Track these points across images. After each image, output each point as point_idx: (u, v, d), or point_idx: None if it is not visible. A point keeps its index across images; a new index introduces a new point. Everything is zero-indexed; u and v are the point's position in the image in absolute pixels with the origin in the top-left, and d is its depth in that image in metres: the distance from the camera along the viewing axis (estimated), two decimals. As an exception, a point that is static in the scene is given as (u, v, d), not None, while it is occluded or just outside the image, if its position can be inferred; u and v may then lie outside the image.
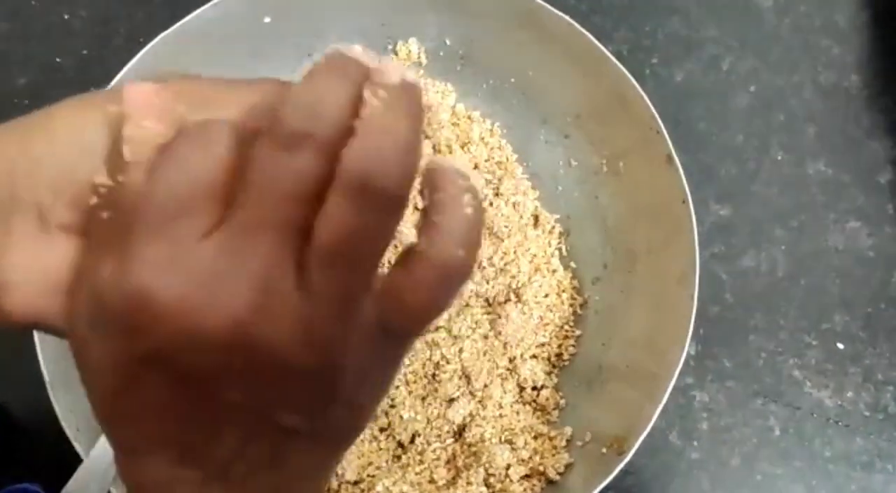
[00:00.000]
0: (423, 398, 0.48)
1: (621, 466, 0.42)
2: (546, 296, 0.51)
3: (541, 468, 0.47)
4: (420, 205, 0.20)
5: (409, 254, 0.19)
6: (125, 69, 0.46)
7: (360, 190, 0.18)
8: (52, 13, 0.58)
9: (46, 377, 0.42)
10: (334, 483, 0.47)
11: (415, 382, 0.49)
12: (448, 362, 0.49)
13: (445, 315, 0.49)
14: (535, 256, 0.51)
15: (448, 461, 0.48)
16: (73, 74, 0.57)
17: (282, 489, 0.22)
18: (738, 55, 0.59)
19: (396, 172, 0.18)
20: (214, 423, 0.20)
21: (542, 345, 0.50)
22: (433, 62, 0.54)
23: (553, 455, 0.47)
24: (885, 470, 0.51)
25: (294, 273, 0.19)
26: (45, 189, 0.21)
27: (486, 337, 0.50)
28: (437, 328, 0.49)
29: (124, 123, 0.20)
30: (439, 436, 0.48)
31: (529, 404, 0.49)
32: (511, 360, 0.49)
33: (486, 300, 0.51)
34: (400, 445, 0.48)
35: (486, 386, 0.49)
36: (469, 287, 0.50)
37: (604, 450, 0.45)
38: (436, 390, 0.48)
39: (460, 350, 0.49)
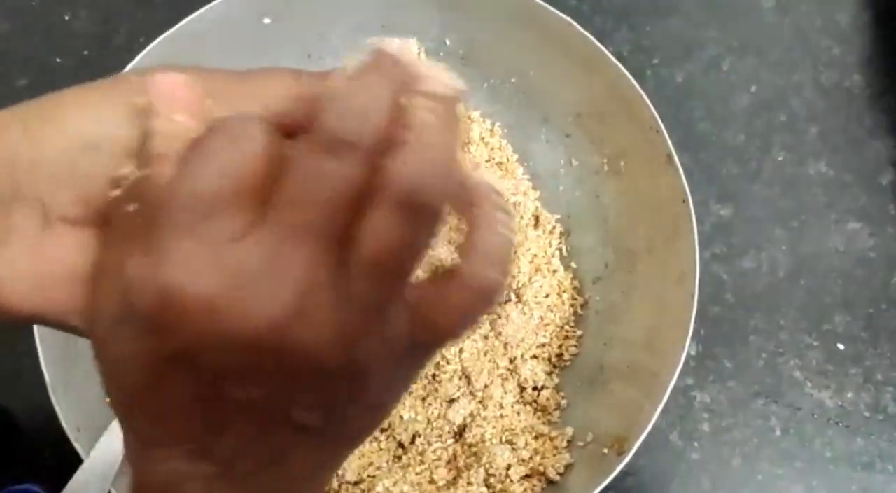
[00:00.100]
0: (424, 399, 0.48)
1: (622, 466, 0.42)
2: (547, 296, 0.51)
3: (541, 469, 0.47)
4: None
5: (443, 273, 0.20)
6: (125, 70, 0.46)
7: (408, 204, 0.18)
8: (52, 13, 0.58)
9: (47, 378, 0.42)
10: (335, 484, 0.47)
11: (415, 382, 0.49)
12: (448, 363, 0.49)
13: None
14: (535, 256, 0.51)
15: (448, 462, 0.48)
16: (74, 75, 0.57)
17: (282, 488, 0.22)
18: (739, 55, 0.59)
19: (443, 188, 0.18)
20: (230, 419, 0.20)
21: (543, 345, 0.50)
22: (433, 62, 0.54)
23: (554, 456, 0.47)
24: (886, 471, 0.51)
25: (333, 278, 0.19)
26: (48, 182, 0.21)
27: (486, 337, 0.50)
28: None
29: (153, 116, 0.20)
30: (440, 436, 0.48)
31: (530, 404, 0.49)
32: (511, 360, 0.49)
33: (487, 301, 0.51)
34: (400, 445, 0.48)
35: (486, 386, 0.49)
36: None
37: (604, 450, 0.45)
38: (436, 390, 0.48)
39: (460, 350, 0.49)
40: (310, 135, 0.18)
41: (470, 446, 0.48)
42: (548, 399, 0.49)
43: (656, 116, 0.47)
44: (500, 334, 0.49)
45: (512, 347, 0.49)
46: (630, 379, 0.47)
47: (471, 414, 0.48)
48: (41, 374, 0.42)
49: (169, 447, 0.20)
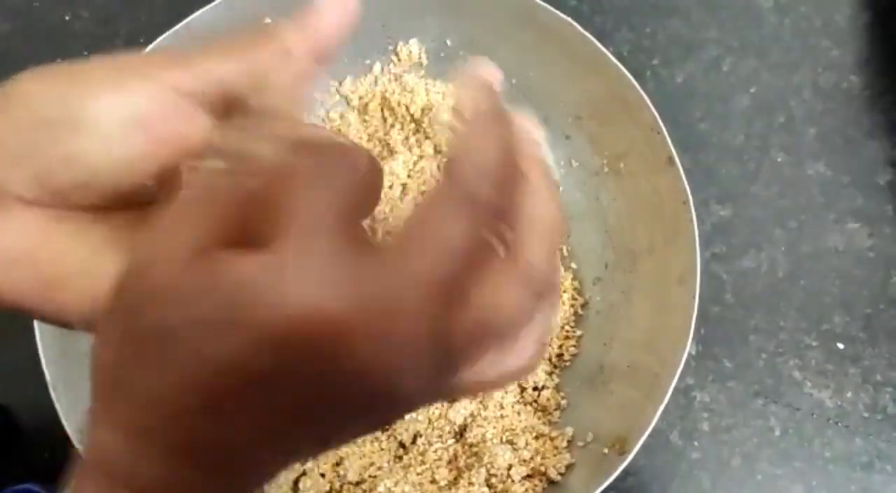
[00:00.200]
0: (424, 399, 0.48)
1: (623, 466, 0.42)
2: (547, 296, 0.51)
3: (542, 469, 0.47)
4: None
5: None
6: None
7: (530, 277, 0.21)
8: (53, 14, 0.58)
9: (48, 377, 0.42)
10: (336, 484, 0.47)
11: (416, 382, 0.49)
12: (449, 363, 0.49)
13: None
14: (535, 256, 0.51)
15: (449, 462, 0.48)
16: (74, 75, 0.57)
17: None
18: (739, 56, 0.59)
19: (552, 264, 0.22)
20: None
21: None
22: (434, 63, 0.54)
23: (554, 456, 0.47)
24: (885, 471, 0.51)
25: (439, 323, 0.19)
26: (2, 162, 0.21)
27: (486, 337, 0.50)
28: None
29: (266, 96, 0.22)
30: (441, 436, 0.48)
31: (530, 404, 0.49)
32: (512, 360, 0.49)
33: (487, 301, 0.51)
34: (401, 445, 0.48)
35: (486, 386, 0.49)
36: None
37: (605, 450, 0.45)
38: (437, 390, 0.48)
39: (461, 351, 0.49)
40: (448, 186, 0.20)
41: (471, 446, 0.48)
42: (548, 399, 0.49)
43: (657, 116, 0.47)
44: (500, 334, 0.49)
45: (512, 347, 0.49)
46: (631, 379, 0.47)
47: (471, 414, 0.48)
48: (41, 373, 0.42)
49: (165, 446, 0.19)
